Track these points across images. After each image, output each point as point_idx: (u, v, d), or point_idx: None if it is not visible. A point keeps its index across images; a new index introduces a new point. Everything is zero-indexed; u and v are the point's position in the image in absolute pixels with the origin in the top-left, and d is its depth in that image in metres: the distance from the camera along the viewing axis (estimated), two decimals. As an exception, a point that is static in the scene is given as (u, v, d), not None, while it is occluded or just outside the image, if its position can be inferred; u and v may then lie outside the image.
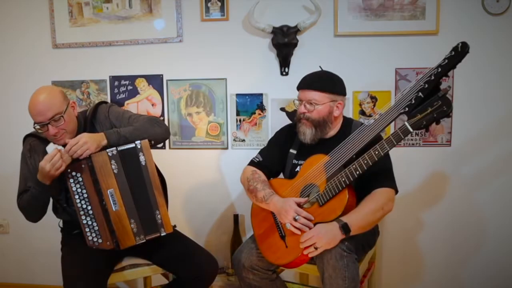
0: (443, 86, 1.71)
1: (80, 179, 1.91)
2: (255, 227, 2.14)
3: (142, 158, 1.96)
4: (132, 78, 2.79)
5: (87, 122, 2.10)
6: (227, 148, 2.77)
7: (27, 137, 2.10)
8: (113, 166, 1.92)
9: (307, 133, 2.02)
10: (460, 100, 2.56)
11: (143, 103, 2.80)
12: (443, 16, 2.52)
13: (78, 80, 2.82)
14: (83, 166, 1.90)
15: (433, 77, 1.72)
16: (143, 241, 1.97)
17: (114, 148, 1.92)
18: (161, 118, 2.78)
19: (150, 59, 2.76)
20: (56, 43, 2.79)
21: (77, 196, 1.91)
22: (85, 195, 1.92)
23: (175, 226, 2.06)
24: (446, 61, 1.72)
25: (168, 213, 2.02)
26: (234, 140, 2.76)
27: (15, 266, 3.04)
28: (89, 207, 1.93)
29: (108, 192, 1.91)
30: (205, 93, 2.75)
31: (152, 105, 2.79)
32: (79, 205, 1.92)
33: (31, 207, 2.01)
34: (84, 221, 1.93)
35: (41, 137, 2.06)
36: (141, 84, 2.78)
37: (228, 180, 2.79)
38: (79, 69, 2.81)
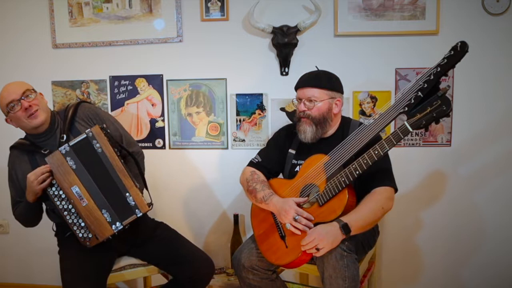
0: (442, 85, 1.71)
1: (54, 181, 1.91)
2: (255, 227, 2.14)
3: (97, 145, 1.91)
4: (132, 78, 2.79)
5: (65, 120, 2.08)
6: (227, 148, 2.77)
7: (10, 149, 2.11)
8: (70, 163, 1.89)
9: (307, 131, 2.02)
10: (460, 100, 2.56)
11: (143, 103, 2.80)
12: (443, 16, 2.52)
13: (78, 80, 2.82)
14: (50, 169, 1.90)
15: (432, 77, 1.72)
16: (120, 227, 1.93)
17: (66, 144, 1.89)
18: (161, 118, 2.78)
19: (150, 59, 2.76)
20: (56, 43, 2.80)
21: (56, 199, 1.91)
22: (63, 196, 1.91)
23: (151, 204, 2.01)
24: (446, 60, 1.72)
25: (140, 193, 1.98)
26: (234, 140, 2.76)
27: (15, 266, 3.04)
28: (70, 206, 1.92)
29: (73, 189, 1.89)
30: (205, 93, 2.75)
31: (152, 105, 2.79)
32: (60, 206, 1.91)
33: (26, 218, 2.07)
34: (70, 220, 1.92)
35: (20, 148, 2.07)
36: (141, 84, 2.78)
37: (228, 180, 2.79)
38: (79, 69, 2.81)
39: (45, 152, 1.98)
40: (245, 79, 2.71)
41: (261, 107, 2.71)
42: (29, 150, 2.05)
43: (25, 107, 1.95)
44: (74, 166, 1.90)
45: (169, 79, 2.76)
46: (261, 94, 2.70)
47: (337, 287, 1.79)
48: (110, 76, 2.80)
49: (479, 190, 2.61)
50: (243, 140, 2.75)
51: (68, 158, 1.89)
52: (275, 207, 1.96)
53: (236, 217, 2.72)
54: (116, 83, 2.79)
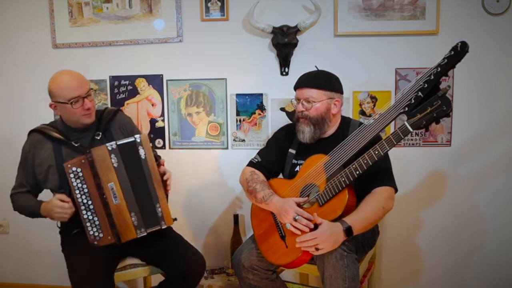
0: (442, 85, 1.71)
1: (80, 174, 1.91)
2: (255, 227, 2.14)
3: (142, 151, 1.96)
4: (132, 78, 2.78)
5: (102, 120, 2.13)
6: (227, 148, 2.77)
7: (31, 132, 2.12)
8: (113, 160, 1.92)
9: (306, 132, 2.02)
10: (460, 100, 2.56)
11: (143, 103, 2.80)
12: (443, 16, 2.52)
13: (78, 80, 2.82)
14: (83, 161, 1.91)
15: (432, 77, 1.72)
16: (144, 234, 1.96)
17: (114, 142, 1.93)
18: (161, 118, 2.78)
19: (150, 59, 2.76)
20: (56, 43, 2.79)
21: (77, 191, 1.91)
22: (86, 190, 1.92)
23: (175, 219, 2.05)
24: (446, 60, 1.72)
25: (168, 206, 2.02)
26: (234, 140, 2.76)
27: (15, 266, 3.04)
28: (89, 202, 1.93)
29: (109, 186, 1.91)
30: (205, 93, 2.75)
31: (152, 105, 2.79)
32: (79, 200, 1.92)
33: (23, 212, 2.08)
34: (85, 216, 1.92)
35: (46, 133, 2.07)
36: (141, 84, 2.78)
37: (228, 180, 2.79)
38: (79, 69, 2.74)
39: (76, 145, 2.02)
40: (245, 79, 2.71)
41: (261, 107, 2.71)
42: (55, 138, 2.06)
43: (88, 107, 2.00)
44: (116, 165, 1.92)
45: (169, 79, 2.76)
46: (261, 94, 2.70)
47: (337, 287, 1.79)
48: (110, 76, 2.80)
49: (479, 190, 2.62)
50: (243, 140, 2.75)
51: (112, 155, 1.92)
52: (275, 207, 1.96)
53: (236, 217, 2.72)
54: (116, 83, 2.79)
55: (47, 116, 2.83)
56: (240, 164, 2.25)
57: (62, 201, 1.92)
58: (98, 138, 2.07)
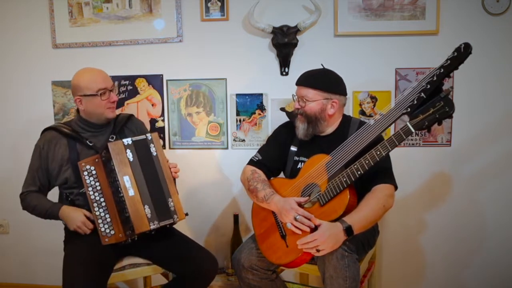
0: (444, 86, 1.71)
1: (94, 172, 2.00)
2: (256, 227, 2.14)
3: (153, 149, 2.06)
4: (132, 78, 2.78)
5: (117, 124, 2.20)
6: (227, 148, 2.77)
7: (45, 130, 2.17)
8: (128, 155, 1.99)
9: (300, 128, 2.05)
10: (460, 100, 2.56)
11: (143, 103, 2.79)
12: (443, 16, 2.52)
13: (78, 80, 2.81)
14: (96, 160, 2.01)
15: (435, 78, 1.72)
16: (157, 226, 1.99)
17: (130, 138, 2.02)
18: (161, 118, 2.78)
19: (150, 59, 2.76)
20: (56, 43, 2.79)
21: (90, 189, 1.99)
22: (98, 188, 2.00)
23: (187, 214, 2.10)
24: (449, 62, 1.72)
25: (180, 201, 2.09)
26: (234, 140, 2.76)
27: (15, 266, 3.04)
28: (102, 199, 2.00)
29: (124, 178, 1.97)
30: (205, 93, 2.75)
31: (152, 105, 2.79)
32: (92, 197, 1.99)
33: (35, 211, 2.09)
34: (97, 213, 1.98)
35: (61, 130, 2.12)
36: (141, 84, 2.78)
37: (228, 180, 2.79)
38: (79, 69, 2.80)
39: (90, 144, 2.10)
40: (245, 79, 2.71)
41: (261, 107, 2.71)
42: (70, 136, 2.12)
43: (113, 100, 2.13)
44: (131, 159, 2.00)
45: (169, 79, 2.76)
46: (261, 94, 2.70)
47: (338, 287, 1.79)
48: (110, 76, 2.79)
49: (479, 190, 2.62)
50: (243, 140, 2.75)
51: (128, 150, 2.00)
52: (276, 206, 1.96)
53: (236, 217, 2.72)
54: (116, 83, 2.79)
55: (47, 116, 2.83)
56: (240, 164, 2.26)
57: (87, 218, 2.02)
58: (112, 140, 2.13)
